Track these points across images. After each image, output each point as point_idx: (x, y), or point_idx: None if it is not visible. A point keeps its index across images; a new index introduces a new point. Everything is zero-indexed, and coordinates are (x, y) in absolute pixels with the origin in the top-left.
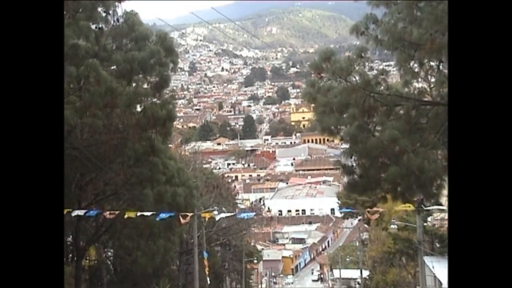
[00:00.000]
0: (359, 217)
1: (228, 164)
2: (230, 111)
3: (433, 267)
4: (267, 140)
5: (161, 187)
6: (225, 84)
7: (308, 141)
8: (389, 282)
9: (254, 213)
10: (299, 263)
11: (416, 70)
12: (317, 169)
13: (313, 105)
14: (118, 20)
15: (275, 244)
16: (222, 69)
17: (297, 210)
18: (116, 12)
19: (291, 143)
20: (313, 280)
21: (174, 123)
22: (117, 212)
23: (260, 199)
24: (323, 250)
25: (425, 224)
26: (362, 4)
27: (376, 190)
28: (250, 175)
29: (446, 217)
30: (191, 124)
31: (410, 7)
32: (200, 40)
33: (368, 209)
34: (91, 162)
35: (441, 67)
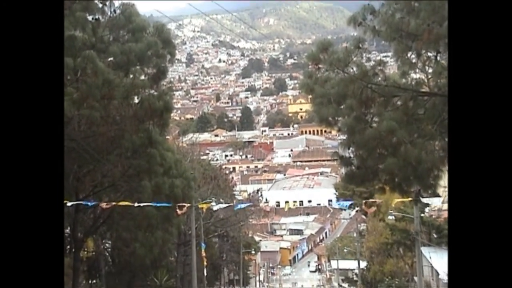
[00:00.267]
0: (357, 208)
1: (226, 156)
2: (228, 103)
3: (430, 257)
4: (265, 131)
5: (159, 178)
6: (222, 76)
7: (306, 132)
8: (387, 273)
9: (250, 203)
10: (297, 254)
11: (414, 61)
12: (315, 161)
13: (310, 96)
14: (115, 11)
15: (272, 235)
16: (220, 61)
17: (294, 201)
18: (112, 3)
19: (288, 134)
20: (311, 271)
21: (172, 114)
22: (114, 204)
23: (258, 190)
24: (320, 241)
25: (422, 215)
26: None
27: (374, 181)
28: (248, 167)
29: (443, 208)
30: (188, 116)
31: None
32: (198, 32)
33: (365, 200)
34: (88, 153)
35: (438, 57)
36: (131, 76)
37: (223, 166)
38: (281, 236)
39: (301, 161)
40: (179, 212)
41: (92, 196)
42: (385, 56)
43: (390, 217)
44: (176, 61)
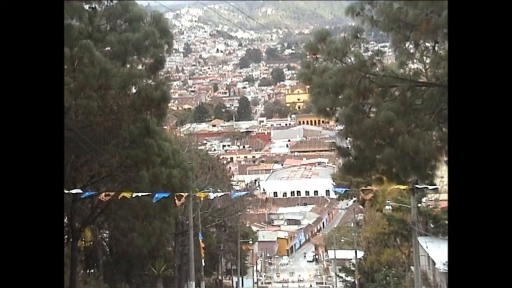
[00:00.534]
0: (354, 199)
1: (223, 146)
2: (225, 93)
3: (427, 247)
4: (262, 121)
5: (156, 168)
6: (220, 66)
7: (303, 123)
8: (383, 263)
9: (247, 192)
10: (294, 244)
11: (412, 51)
12: (312, 151)
13: (308, 86)
14: (111, 0)
15: (270, 225)
16: (217, 51)
17: (292, 192)
18: None
19: (286, 124)
20: (308, 261)
21: (169, 104)
22: (112, 194)
23: (255, 180)
24: (318, 231)
25: (419, 205)
26: None
27: (371, 172)
28: (245, 157)
29: (440, 198)
30: (186, 106)
31: None
32: (195, 21)
33: (363, 188)
34: (86, 143)
35: (436, 47)
36: (128, 66)
37: (221, 156)
38: (279, 226)
39: (298, 152)
40: (177, 202)
41: (90, 186)
42: (383, 46)
43: (387, 207)
44: (173, 51)
